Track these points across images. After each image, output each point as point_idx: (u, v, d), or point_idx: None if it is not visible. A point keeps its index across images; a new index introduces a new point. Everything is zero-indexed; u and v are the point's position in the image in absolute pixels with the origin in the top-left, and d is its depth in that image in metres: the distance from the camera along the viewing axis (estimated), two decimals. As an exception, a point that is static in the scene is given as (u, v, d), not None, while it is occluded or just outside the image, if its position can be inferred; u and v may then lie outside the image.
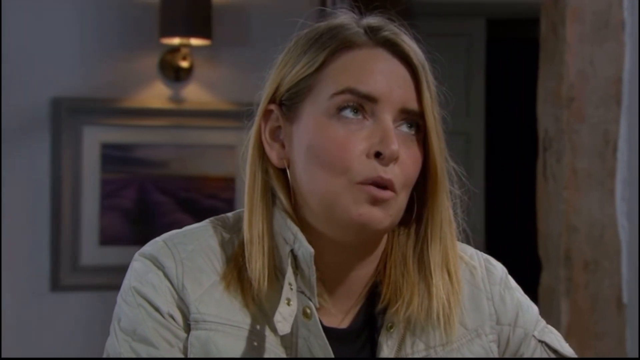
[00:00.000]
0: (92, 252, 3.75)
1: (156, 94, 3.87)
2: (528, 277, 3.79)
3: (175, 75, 3.88)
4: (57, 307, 3.71)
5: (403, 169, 1.16)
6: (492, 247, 5.17)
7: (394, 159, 1.14)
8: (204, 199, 3.73)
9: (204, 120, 3.82)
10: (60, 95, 3.76)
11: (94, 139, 3.81)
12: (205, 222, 1.25)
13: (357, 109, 1.16)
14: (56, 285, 3.74)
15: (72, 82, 3.79)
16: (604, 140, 2.69)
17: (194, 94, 3.89)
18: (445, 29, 4.92)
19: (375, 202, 1.14)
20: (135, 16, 3.83)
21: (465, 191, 1.25)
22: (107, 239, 3.75)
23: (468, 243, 1.29)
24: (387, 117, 1.15)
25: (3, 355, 3.60)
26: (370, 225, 1.15)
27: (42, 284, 3.73)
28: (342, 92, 1.15)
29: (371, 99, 1.15)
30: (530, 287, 3.32)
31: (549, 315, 2.71)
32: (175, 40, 3.79)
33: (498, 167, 5.64)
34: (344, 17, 1.22)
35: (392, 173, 1.14)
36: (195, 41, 3.80)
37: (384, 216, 1.15)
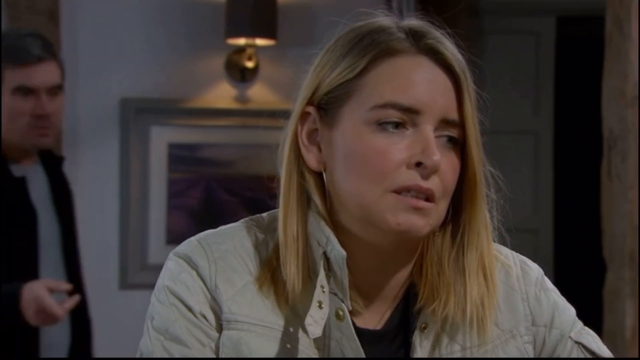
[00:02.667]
0: (159, 251, 3.80)
1: (222, 94, 3.90)
2: (595, 278, 3.73)
3: (241, 75, 3.91)
4: (125, 305, 3.77)
5: (443, 179, 1.15)
6: (561, 248, 5.10)
7: (436, 170, 1.13)
8: (269, 198, 3.75)
9: (270, 120, 3.82)
10: (129, 96, 3.81)
11: (161, 139, 3.85)
12: (240, 222, 1.25)
13: (399, 123, 1.14)
14: (124, 283, 3.80)
15: (140, 83, 3.84)
16: (669, 139, 2.64)
17: (260, 94, 3.91)
18: (514, 27, 4.87)
19: (416, 210, 1.13)
20: (201, 17, 3.86)
21: (501, 195, 1.23)
22: (173, 238, 3.79)
23: (504, 243, 1.28)
24: (429, 127, 1.14)
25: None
26: (410, 233, 1.14)
27: (110, 283, 3.79)
28: (384, 106, 1.14)
29: (413, 111, 1.14)
30: (596, 289, 3.28)
31: (614, 317, 2.67)
32: (241, 41, 3.82)
33: (567, 167, 5.56)
34: (384, 20, 1.19)
35: (431, 183, 1.14)
36: (260, 41, 3.82)
37: (424, 224, 1.14)
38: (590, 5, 4.64)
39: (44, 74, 2.48)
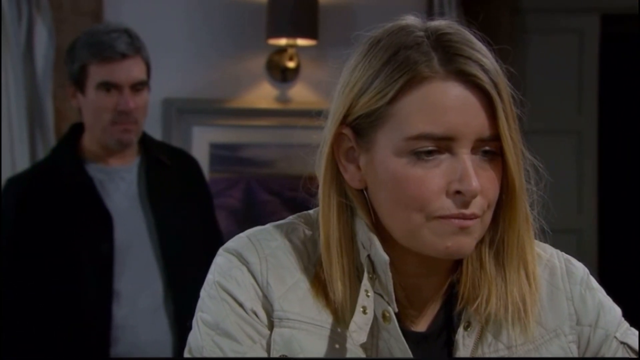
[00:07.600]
0: (200, 250, 3.80)
1: (263, 94, 3.91)
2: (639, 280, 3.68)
3: (282, 75, 3.91)
4: (167, 304, 3.78)
5: (484, 196, 1.14)
6: (605, 248, 5.05)
7: (475, 196, 1.13)
8: (309, 198, 3.75)
9: (311, 120, 3.82)
10: (171, 96, 3.83)
11: (203, 139, 3.87)
12: (289, 219, 1.26)
13: (433, 151, 1.14)
14: (166, 282, 3.80)
15: (182, 84, 3.86)
16: None
17: (301, 94, 3.91)
18: (557, 25, 4.83)
19: (462, 229, 1.14)
20: (242, 18, 3.87)
21: (543, 186, 1.22)
22: (214, 237, 3.80)
23: (546, 241, 1.27)
24: (465, 152, 1.13)
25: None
26: (458, 254, 1.15)
27: (152, 282, 3.80)
28: (417, 137, 1.13)
29: (447, 139, 1.13)
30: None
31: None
32: (282, 41, 3.82)
33: (611, 167, 5.51)
34: (414, 31, 1.17)
35: (474, 206, 1.14)
36: (301, 41, 3.82)
37: (471, 241, 1.15)
38: (635, 3, 4.59)
39: (128, 70, 2.47)
